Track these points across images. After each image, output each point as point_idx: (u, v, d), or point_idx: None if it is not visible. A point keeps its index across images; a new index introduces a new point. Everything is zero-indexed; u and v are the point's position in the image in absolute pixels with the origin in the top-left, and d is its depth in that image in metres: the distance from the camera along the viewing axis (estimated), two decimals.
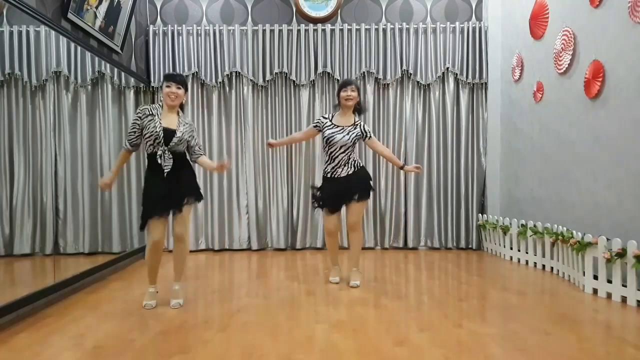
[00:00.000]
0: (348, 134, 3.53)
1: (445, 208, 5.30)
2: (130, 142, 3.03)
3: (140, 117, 2.99)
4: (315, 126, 3.65)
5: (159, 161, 2.97)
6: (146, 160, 3.06)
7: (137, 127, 2.99)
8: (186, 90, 3.11)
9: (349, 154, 3.57)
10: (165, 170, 2.98)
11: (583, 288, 3.45)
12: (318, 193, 3.68)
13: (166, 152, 2.97)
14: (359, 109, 3.68)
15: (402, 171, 4.06)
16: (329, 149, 3.57)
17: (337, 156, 3.55)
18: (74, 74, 3.68)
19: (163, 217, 3.02)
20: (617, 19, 3.35)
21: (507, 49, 5.10)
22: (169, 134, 2.98)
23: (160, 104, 3.08)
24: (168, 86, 3.01)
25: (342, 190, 3.55)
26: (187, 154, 3.16)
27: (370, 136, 3.64)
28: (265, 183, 5.31)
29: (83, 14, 3.71)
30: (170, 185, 3.00)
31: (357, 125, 3.59)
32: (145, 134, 2.97)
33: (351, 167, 3.57)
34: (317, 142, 5.17)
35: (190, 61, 5.20)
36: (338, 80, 5.17)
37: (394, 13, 5.32)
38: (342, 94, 3.53)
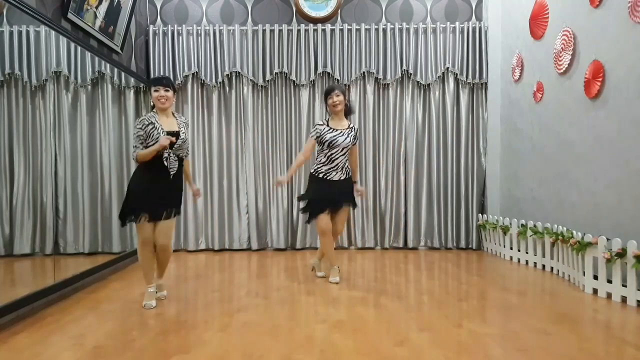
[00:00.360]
0: (347, 136, 3.66)
1: (445, 208, 5.30)
2: (141, 148, 3.01)
3: (141, 128, 3.00)
4: (316, 138, 3.67)
5: (165, 163, 3.01)
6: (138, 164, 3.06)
7: (142, 136, 3.00)
8: (174, 91, 3.14)
9: (347, 156, 3.70)
10: (172, 172, 3.04)
11: (583, 288, 3.45)
12: (306, 200, 3.76)
13: (171, 154, 3.04)
14: (347, 111, 3.75)
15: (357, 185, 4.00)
16: (329, 152, 3.63)
17: (337, 158, 3.64)
18: (74, 74, 3.68)
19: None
20: (617, 19, 3.35)
21: (507, 49, 5.10)
22: (172, 136, 3.02)
23: (154, 110, 3.10)
24: (156, 90, 3.05)
25: (334, 193, 3.64)
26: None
27: (356, 143, 3.78)
28: (265, 183, 5.31)
29: (83, 14, 3.71)
30: (167, 189, 3.06)
31: (352, 128, 3.74)
32: (150, 142, 2.98)
33: (344, 173, 3.70)
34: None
35: (190, 61, 5.20)
36: (338, 80, 5.18)
37: (394, 13, 5.32)
38: (329, 101, 3.64)
